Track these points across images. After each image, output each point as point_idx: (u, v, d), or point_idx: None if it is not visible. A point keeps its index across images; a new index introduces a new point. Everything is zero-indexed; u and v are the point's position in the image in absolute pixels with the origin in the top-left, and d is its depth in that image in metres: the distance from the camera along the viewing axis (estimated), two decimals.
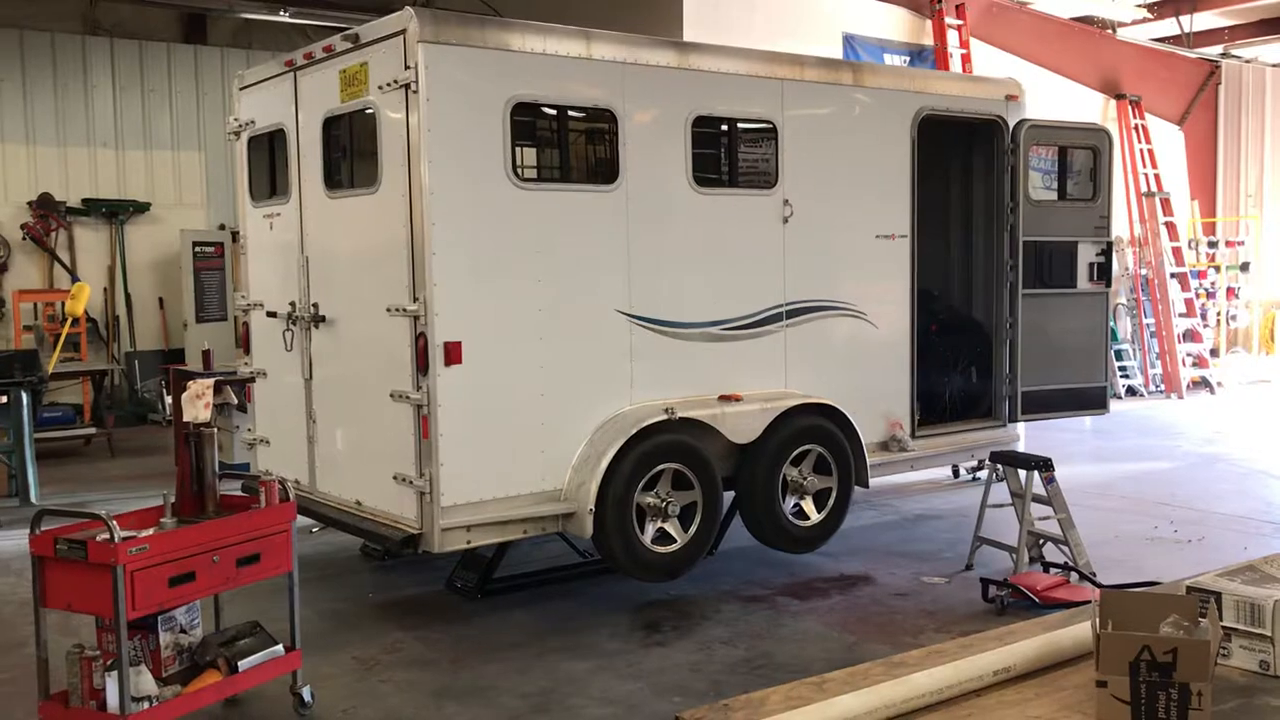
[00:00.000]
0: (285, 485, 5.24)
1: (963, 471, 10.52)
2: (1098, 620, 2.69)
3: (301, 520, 7.21)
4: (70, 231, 15.03)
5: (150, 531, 4.73)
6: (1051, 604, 6.54)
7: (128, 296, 15.39)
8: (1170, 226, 17.05)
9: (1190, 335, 16.90)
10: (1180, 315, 16.83)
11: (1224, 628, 2.90)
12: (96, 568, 4.46)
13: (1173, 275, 16.86)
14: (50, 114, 14.90)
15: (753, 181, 7.47)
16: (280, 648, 5.21)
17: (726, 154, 7.36)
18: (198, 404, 5.14)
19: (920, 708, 2.63)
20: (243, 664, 5.01)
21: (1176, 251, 17.09)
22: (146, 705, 4.59)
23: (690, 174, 6.96)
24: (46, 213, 14.64)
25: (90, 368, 13.65)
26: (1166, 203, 17.09)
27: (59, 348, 11.94)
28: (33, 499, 10.02)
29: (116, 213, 15.25)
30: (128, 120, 15.45)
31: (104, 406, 13.62)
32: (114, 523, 4.46)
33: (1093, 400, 9.20)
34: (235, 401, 5.35)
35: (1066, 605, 6.48)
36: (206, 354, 11.47)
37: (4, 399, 9.78)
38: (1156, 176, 17.39)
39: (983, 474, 10.24)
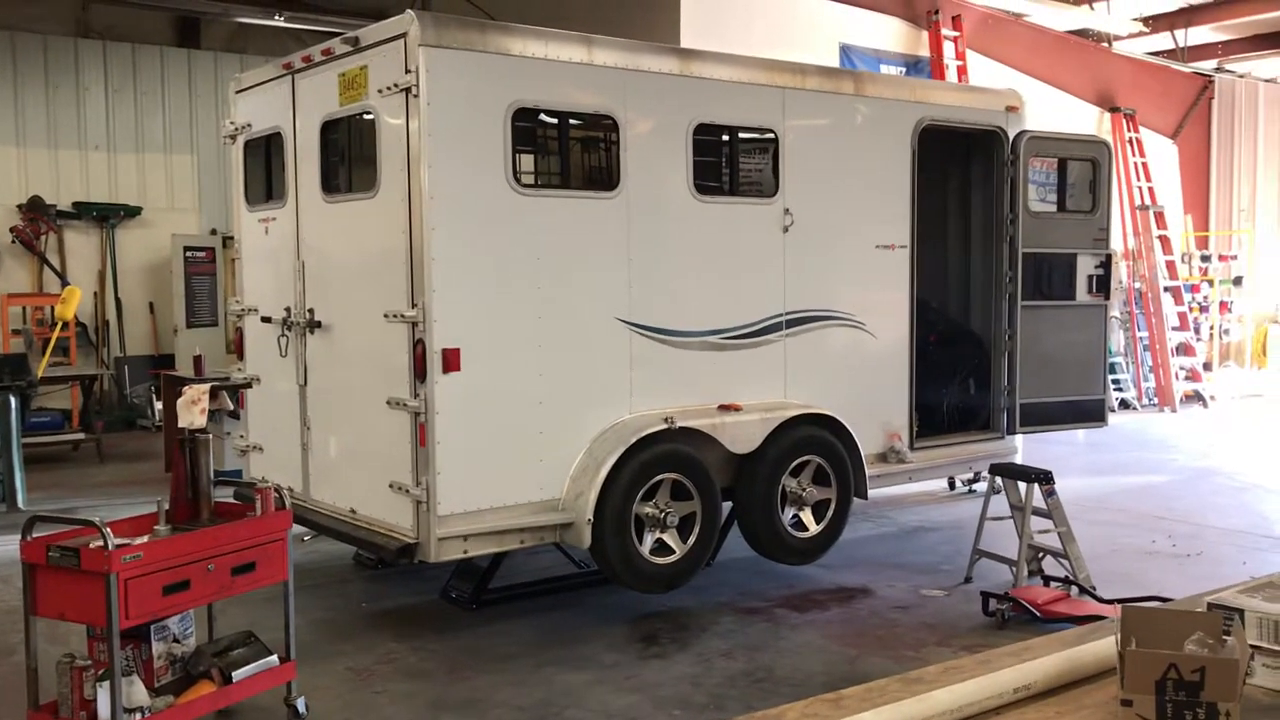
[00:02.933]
0: (281, 493, 5.16)
1: (958, 484, 10.48)
2: (1120, 637, 2.63)
3: (294, 528, 7.16)
4: (60, 235, 14.89)
5: (144, 539, 4.65)
6: (1053, 618, 6.50)
7: (118, 301, 15.26)
8: (1164, 240, 17.07)
9: (1183, 349, 16.91)
10: (1174, 329, 16.84)
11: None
12: (89, 576, 4.38)
13: (1166, 289, 16.87)
14: (42, 116, 14.78)
15: (753, 190, 7.43)
16: (274, 658, 5.13)
17: (727, 162, 7.31)
18: (193, 410, 5.06)
19: None
20: (237, 675, 4.93)
21: (1170, 265, 17.11)
22: (139, 716, 4.50)
23: (691, 182, 6.90)
24: (36, 216, 14.51)
25: (79, 372, 13.52)
26: (1160, 216, 17.12)
27: (48, 352, 11.83)
28: (20, 504, 9.91)
29: (107, 216, 15.13)
30: (120, 124, 15.34)
31: (93, 412, 13.50)
32: (108, 530, 4.38)
33: (1091, 413, 9.16)
34: (231, 407, 5.28)
35: (1068, 620, 6.45)
36: (198, 359, 11.38)
37: None
38: (1150, 190, 17.42)
39: (979, 486, 10.22)
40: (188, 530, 4.90)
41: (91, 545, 4.43)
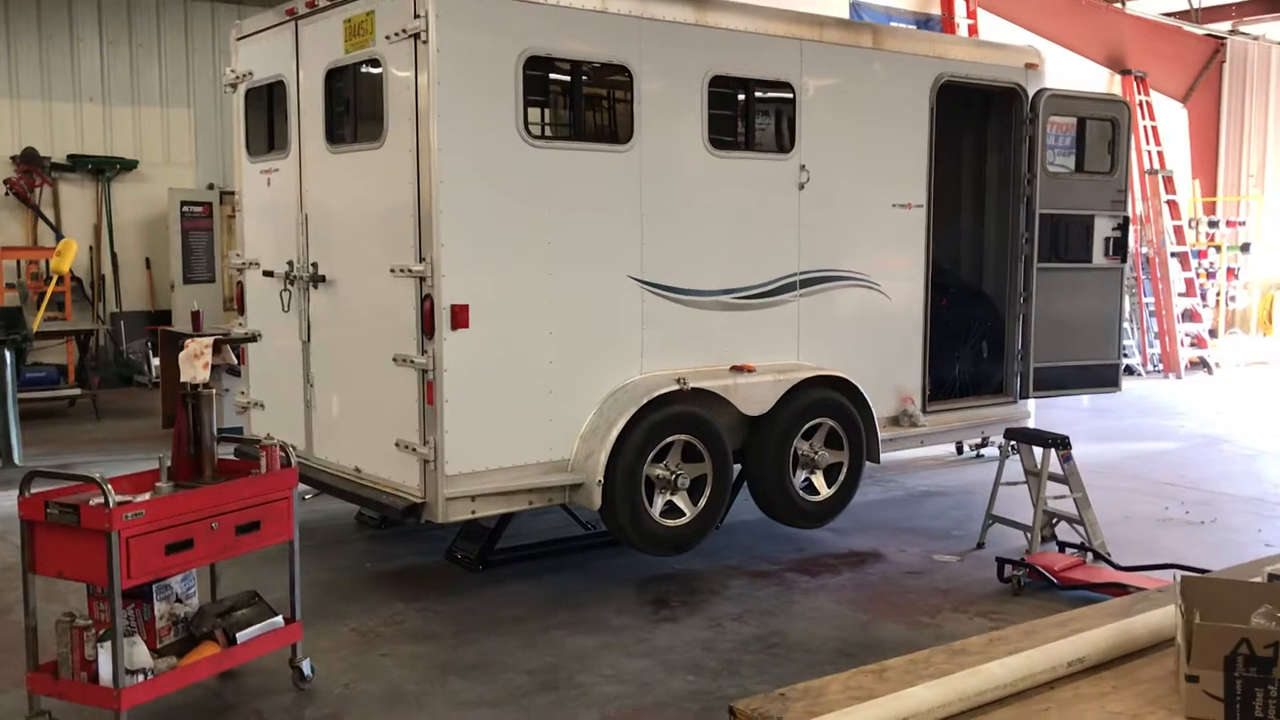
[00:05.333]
0: (287, 450, 5.01)
1: (966, 448, 10.36)
2: (1182, 608, 2.49)
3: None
4: (55, 188, 14.66)
5: (146, 496, 4.50)
6: (1069, 585, 6.40)
7: (114, 256, 15.03)
8: (1172, 205, 16.89)
9: (1189, 315, 16.77)
10: (1180, 295, 16.69)
11: None
12: (90, 533, 4.24)
13: (1173, 254, 16.71)
14: (35, 67, 14.49)
15: (769, 145, 7.24)
16: (280, 619, 5.01)
17: (743, 116, 7.12)
18: (196, 364, 4.90)
19: (992, 700, 2.44)
20: (241, 635, 4.80)
21: (1178, 230, 16.94)
22: (141, 678, 4.38)
23: (706, 136, 6.72)
24: (30, 168, 14.26)
25: (75, 328, 13.34)
26: (1169, 180, 16.92)
27: (43, 306, 11.64)
28: (16, 460, 9.76)
29: (103, 170, 14.88)
30: (115, 75, 15.05)
31: (89, 368, 13.33)
32: (109, 486, 4.23)
33: (1105, 378, 9.03)
34: (234, 362, 5.12)
35: (1085, 587, 6.35)
36: (196, 314, 11.20)
37: None
38: (1160, 154, 17.22)
39: (987, 451, 10.11)
40: (191, 488, 4.76)
41: (92, 502, 4.28)
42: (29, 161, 14.27)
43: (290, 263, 6.99)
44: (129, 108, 15.22)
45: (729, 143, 6.95)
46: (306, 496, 8.18)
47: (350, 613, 6.16)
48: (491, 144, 5.95)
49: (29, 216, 14.44)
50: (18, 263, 14.08)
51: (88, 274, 14.89)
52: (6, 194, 14.19)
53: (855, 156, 7.51)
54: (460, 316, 5.87)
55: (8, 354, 9.76)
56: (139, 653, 4.41)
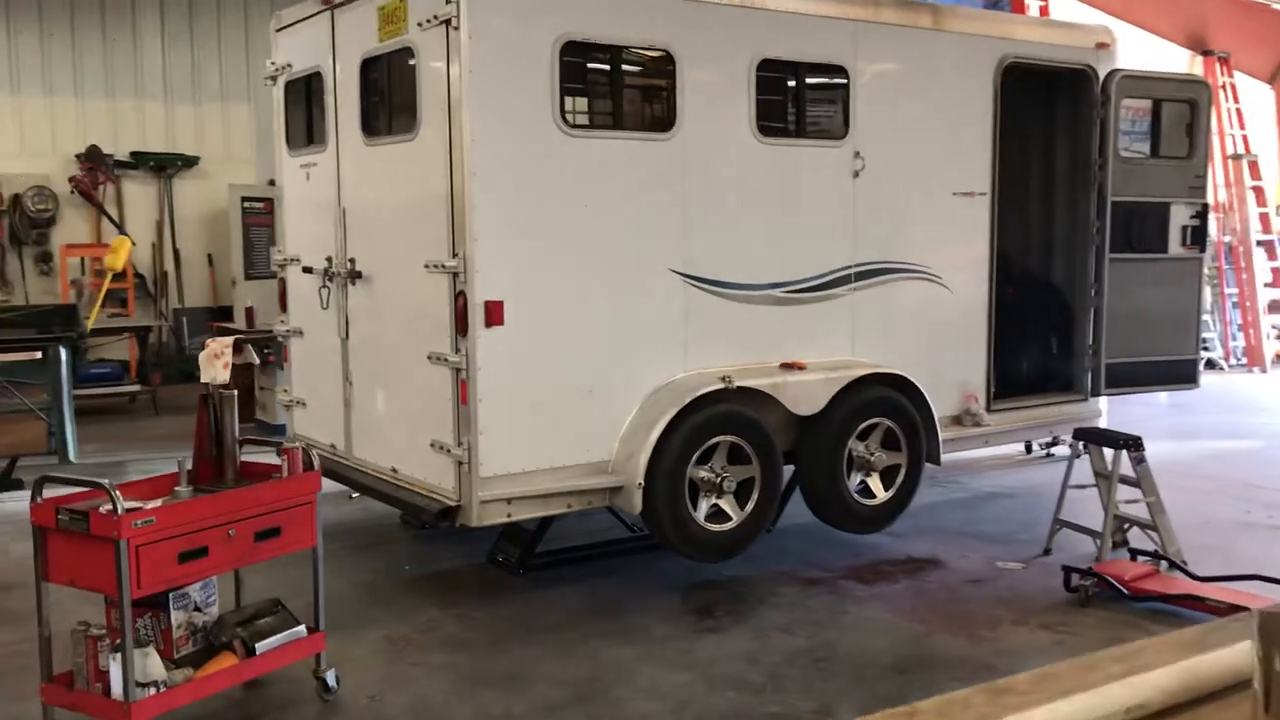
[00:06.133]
0: (310, 453, 4.83)
1: (1035, 447, 9.93)
2: (1260, 648, 2.16)
3: (340, 485, 6.88)
4: (118, 185, 14.82)
5: (159, 502, 4.34)
6: (1141, 596, 6.00)
7: (176, 252, 15.16)
8: (1258, 191, 16.15)
9: (1276, 306, 16.03)
10: (1266, 285, 15.97)
11: None
12: (99, 541, 4.09)
13: (1259, 243, 15.99)
14: (99, 66, 14.65)
15: (821, 131, 6.92)
16: (302, 628, 4.84)
17: (793, 101, 6.81)
18: (216, 364, 4.75)
19: None
20: (260, 646, 4.64)
21: (1264, 218, 16.19)
22: (153, 690, 4.22)
23: (754, 122, 6.42)
24: (94, 166, 14.41)
25: (133, 324, 13.41)
26: (1254, 165, 16.19)
27: (98, 303, 11.68)
28: (71, 457, 9.78)
29: (165, 167, 15.00)
30: (176, 72, 15.16)
31: (150, 364, 13.40)
32: (117, 493, 4.08)
33: (1182, 374, 8.56)
34: (257, 361, 4.96)
35: (1158, 598, 5.96)
36: (250, 311, 11.19)
37: (39, 355, 9.50)
38: (1245, 138, 16.46)
39: (1057, 451, 9.68)
40: (210, 492, 4.60)
41: (102, 509, 4.13)
42: (93, 159, 14.42)
43: (329, 258, 6.84)
44: (190, 105, 15.31)
45: (778, 129, 6.65)
46: (354, 496, 8.04)
47: (384, 618, 5.99)
48: (527, 134, 5.72)
49: (93, 214, 14.59)
50: (81, 260, 14.22)
51: (150, 270, 15.01)
52: (71, 192, 14.35)
53: (913, 143, 7.15)
54: (494, 313, 5.65)
55: (63, 351, 9.77)
56: (152, 664, 4.26)
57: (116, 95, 14.81)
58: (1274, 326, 15.91)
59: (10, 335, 9.83)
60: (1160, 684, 2.34)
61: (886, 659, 5.40)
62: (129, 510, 4.10)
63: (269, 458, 4.93)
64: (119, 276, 13.54)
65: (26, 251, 14.22)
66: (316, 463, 4.83)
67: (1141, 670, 2.51)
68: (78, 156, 14.40)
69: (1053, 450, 9.80)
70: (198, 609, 4.66)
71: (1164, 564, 6.43)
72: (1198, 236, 8.38)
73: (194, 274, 15.36)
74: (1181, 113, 8.40)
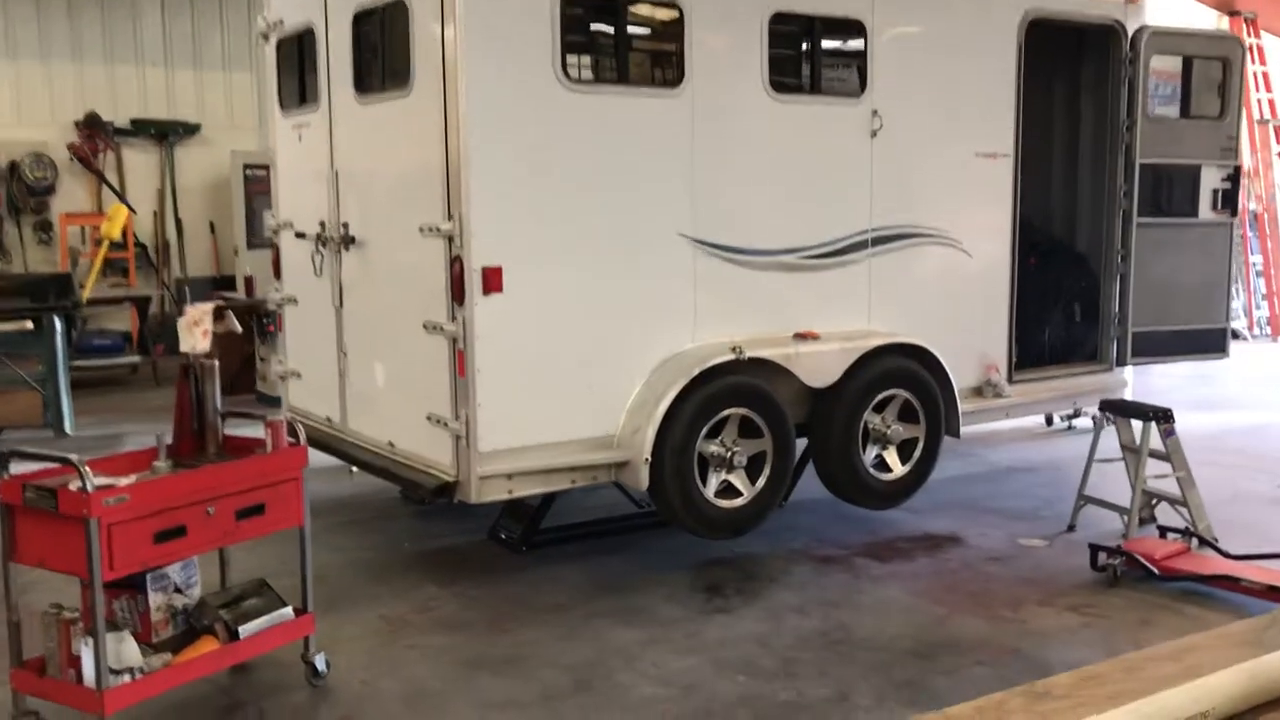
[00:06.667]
0: (295, 426, 4.57)
1: (1056, 419, 9.63)
2: None
3: (339, 460, 6.63)
4: (118, 153, 14.51)
5: (133, 479, 4.09)
6: (1172, 575, 5.73)
7: (178, 221, 14.88)
8: None
9: None
10: None
11: None
12: (69, 520, 3.84)
13: None
14: (98, 31, 14.32)
15: (838, 88, 6.59)
16: (289, 610, 4.59)
17: (808, 56, 6.48)
18: (195, 332, 4.49)
19: None
20: (245, 629, 4.40)
21: None
22: (129, 677, 3.99)
23: (766, 78, 6.10)
24: (94, 133, 14.11)
25: (132, 293, 13.18)
26: None
27: (94, 272, 11.45)
28: (68, 430, 9.56)
29: (166, 134, 14.70)
30: (177, 38, 14.84)
31: (152, 334, 13.17)
32: (87, 469, 3.83)
33: (1210, 344, 8.24)
34: (238, 329, 4.71)
35: (1190, 578, 5.68)
36: (250, 280, 10.95)
37: (30, 324, 9.26)
38: (1271, 102, 16.02)
39: (1079, 422, 9.38)
40: (191, 467, 4.36)
41: (72, 485, 3.88)
42: (92, 126, 14.11)
43: (322, 223, 6.56)
44: (191, 71, 14.99)
45: (792, 86, 6.33)
46: (354, 471, 7.79)
47: (381, 596, 5.76)
48: (527, 89, 5.41)
49: (93, 182, 14.30)
50: (82, 229, 13.96)
51: (152, 240, 14.76)
52: (71, 160, 14.06)
53: (934, 101, 6.82)
54: (492, 280, 5.37)
55: (58, 322, 9.53)
56: (127, 649, 4.02)
57: (116, 61, 14.50)
58: None
59: (2, 305, 9.58)
60: (1224, 688, 2.08)
61: (905, 642, 5.14)
62: (100, 487, 3.85)
63: (259, 431, 4.68)
64: (119, 246, 13.32)
65: (25, 220, 13.93)
66: (303, 437, 4.57)
67: (1195, 671, 2.25)
68: (76, 124, 14.10)
69: (1074, 423, 9.51)
70: (178, 590, 4.42)
71: (1194, 541, 6.16)
72: (1229, 200, 8.04)
73: (196, 243, 15.09)
74: (1213, 71, 8.04)
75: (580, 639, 5.21)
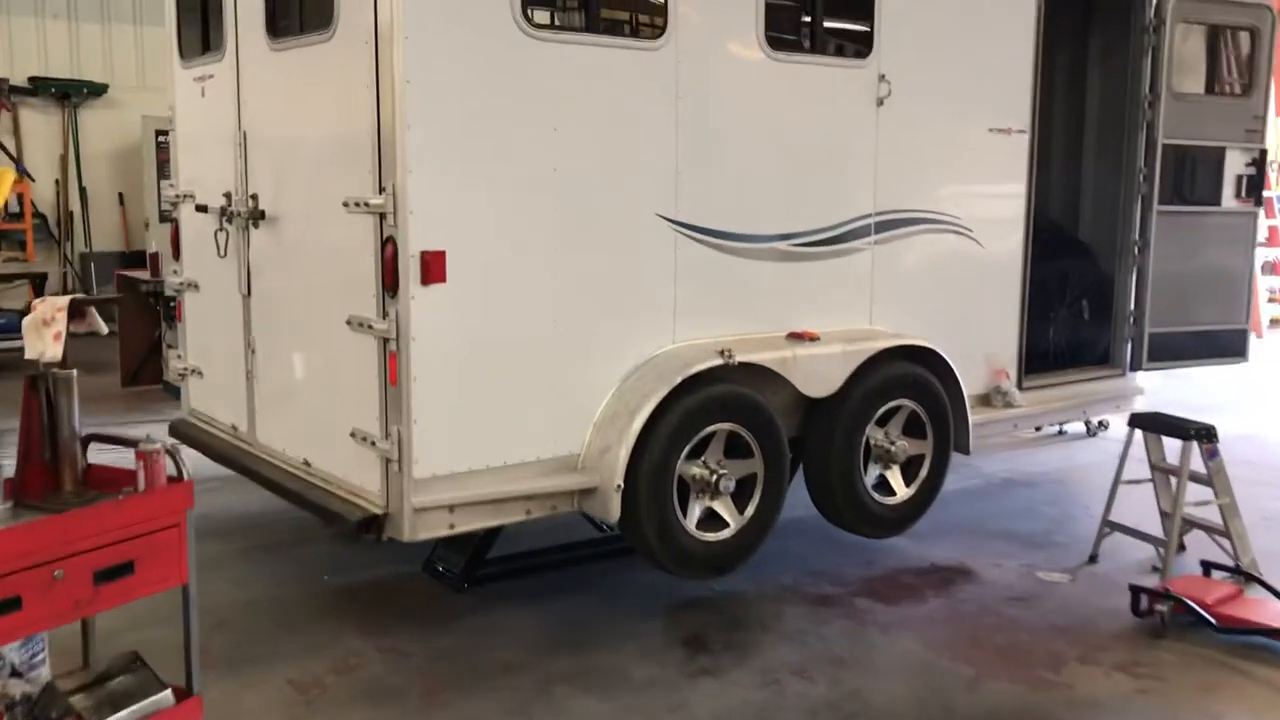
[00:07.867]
0: (177, 457, 3.53)
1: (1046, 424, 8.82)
2: None
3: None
4: (15, 114, 13.28)
5: None
6: (1231, 627, 4.89)
7: (82, 190, 13.65)
8: None
9: (1269, 268, 15.05)
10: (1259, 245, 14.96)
11: None
12: None
13: None
14: None
15: (841, 48, 5.66)
16: (168, 694, 3.55)
17: (810, 10, 5.53)
18: (45, 334, 3.45)
19: None
20: None
21: None
22: None
23: (762, 32, 5.14)
24: None
25: (29, 270, 11.94)
26: None
27: None
28: None
29: (69, 95, 13.49)
30: None
31: None
32: None
33: (1230, 346, 7.47)
34: (105, 331, 3.64)
35: (1256, 631, 4.85)
36: (154, 257, 9.78)
37: None
38: None
39: (1070, 428, 8.59)
40: (33, 512, 3.31)
41: None
42: None
43: (227, 195, 5.48)
44: (98, 25, 13.75)
45: (791, 43, 5.38)
46: None
47: (291, 652, 4.74)
48: (477, 33, 4.39)
49: None
50: None
51: (53, 210, 13.49)
52: None
53: (946, 67, 5.94)
54: (433, 267, 4.35)
55: None
56: None
57: (12, 11, 13.22)
58: (1270, 290, 14.94)
59: None
60: None
61: (934, 714, 4.25)
62: None
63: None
64: (15, 217, 12.06)
65: None
66: (186, 470, 3.53)
67: None
68: None
69: (1064, 428, 8.72)
70: (16, 674, 3.36)
71: (1244, 580, 5.35)
72: (1254, 187, 7.26)
73: (103, 214, 13.87)
74: (1239, 42, 7.24)
75: (534, 713, 4.25)
